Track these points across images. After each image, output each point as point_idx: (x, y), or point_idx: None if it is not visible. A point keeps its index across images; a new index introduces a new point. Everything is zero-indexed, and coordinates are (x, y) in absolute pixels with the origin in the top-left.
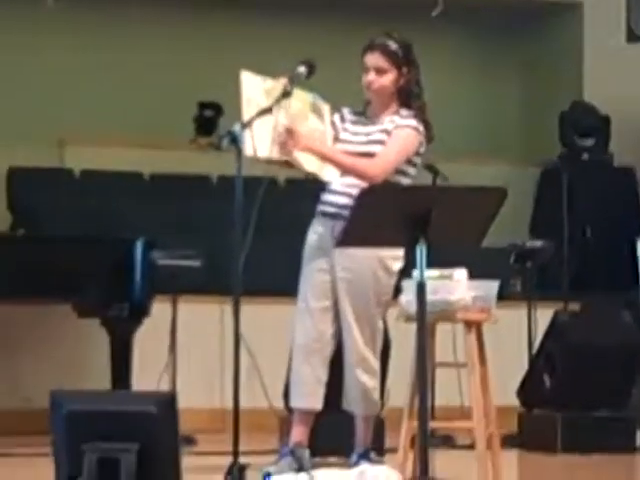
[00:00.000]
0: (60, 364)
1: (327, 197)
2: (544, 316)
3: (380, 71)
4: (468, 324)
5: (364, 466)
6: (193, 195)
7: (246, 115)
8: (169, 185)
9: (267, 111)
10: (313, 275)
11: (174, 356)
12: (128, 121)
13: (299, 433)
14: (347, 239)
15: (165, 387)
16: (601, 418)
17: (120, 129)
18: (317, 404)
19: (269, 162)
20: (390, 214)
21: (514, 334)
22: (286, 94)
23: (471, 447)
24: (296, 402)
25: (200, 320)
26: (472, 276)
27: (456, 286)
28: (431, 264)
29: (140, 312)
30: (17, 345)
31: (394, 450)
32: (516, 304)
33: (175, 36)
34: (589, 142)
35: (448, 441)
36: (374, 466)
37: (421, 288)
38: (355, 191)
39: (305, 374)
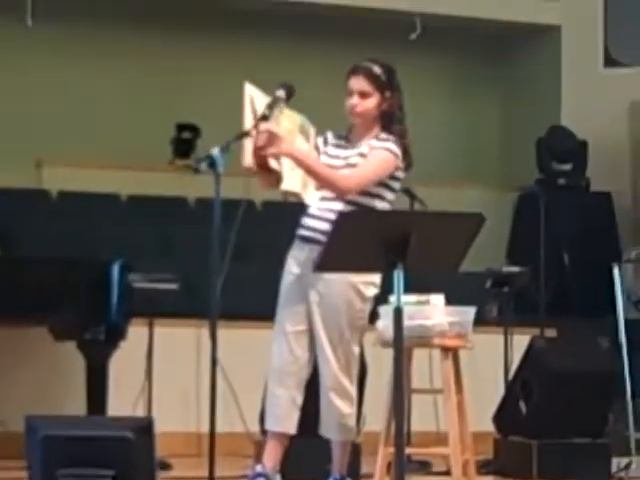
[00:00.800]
0: (35, 387)
1: (305, 221)
2: (521, 342)
3: (364, 95)
4: (445, 350)
5: None
6: (171, 217)
7: (247, 124)
8: (146, 207)
9: (263, 119)
10: (289, 299)
11: (150, 380)
12: (106, 142)
13: (272, 457)
14: (324, 264)
15: (141, 411)
16: (577, 445)
17: (98, 150)
18: (291, 428)
19: (256, 172)
20: (368, 238)
21: (490, 359)
22: (275, 105)
23: (447, 473)
24: (270, 425)
25: (176, 344)
26: (449, 301)
27: (433, 312)
28: (408, 289)
29: (117, 335)
30: None
31: (370, 476)
32: (493, 329)
33: (153, 57)
34: (566, 167)
35: (424, 467)
36: None
37: (398, 313)
38: (332, 215)
39: (280, 397)
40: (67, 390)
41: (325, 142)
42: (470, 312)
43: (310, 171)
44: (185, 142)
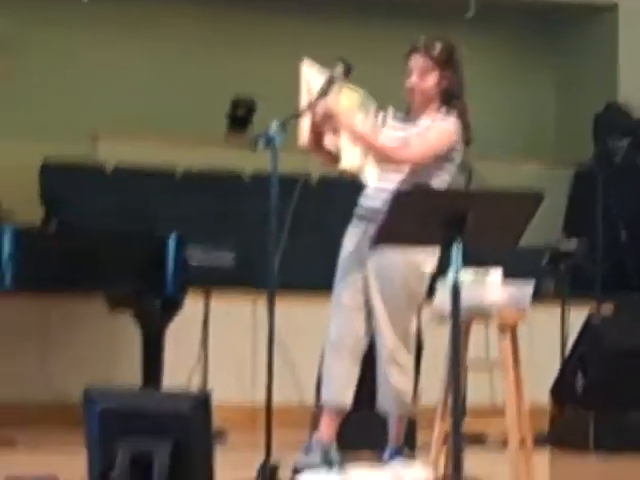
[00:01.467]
0: (93, 358)
1: (361, 200)
2: (577, 317)
3: (423, 73)
4: (502, 325)
5: (397, 462)
6: (226, 192)
7: (303, 104)
8: (202, 181)
9: (320, 97)
10: (347, 274)
11: (206, 351)
12: (161, 116)
13: (328, 429)
14: (382, 238)
15: (197, 382)
16: (633, 419)
17: (153, 124)
18: (347, 401)
19: (313, 151)
20: (426, 216)
21: (547, 334)
22: (329, 85)
23: (503, 445)
24: (327, 398)
25: (233, 315)
26: (506, 275)
27: (490, 287)
28: (466, 262)
29: (172, 305)
30: (50, 339)
31: (426, 447)
32: (550, 305)
33: (209, 31)
34: (623, 144)
35: (480, 439)
36: (407, 463)
37: (456, 290)
38: (387, 195)
39: (336, 370)
40: (124, 360)
41: (384, 121)
42: (528, 287)
43: (366, 142)
44: (241, 117)
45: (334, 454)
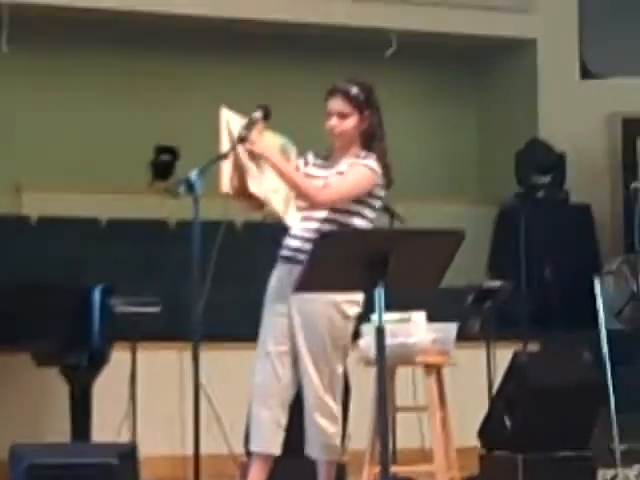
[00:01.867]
0: (19, 414)
1: (286, 241)
2: (504, 356)
3: (342, 115)
4: (428, 367)
5: None
6: (151, 240)
7: (224, 149)
8: (126, 230)
9: (241, 141)
10: (272, 319)
11: (134, 404)
12: (85, 166)
13: (257, 478)
14: (305, 284)
15: (126, 436)
16: (562, 458)
17: (77, 174)
18: (276, 448)
19: (235, 197)
20: (348, 258)
21: (474, 375)
22: (242, 139)
23: None
24: (255, 446)
25: (160, 367)
26: (430, 317)
27: (415, 329)
28: (389, 307)
29: (99, 360)
30: None
31: None
32: (475, 345)
33: (132, 82)
34: (545, 180)
35: None
36: None
37: (380, 332)
38: (312, 235)
39: (264, 418)
40: (52, 416)
41: (306, 163)
42: (452, 328)
43: (286, 179)
44: (164, 165)
45: None
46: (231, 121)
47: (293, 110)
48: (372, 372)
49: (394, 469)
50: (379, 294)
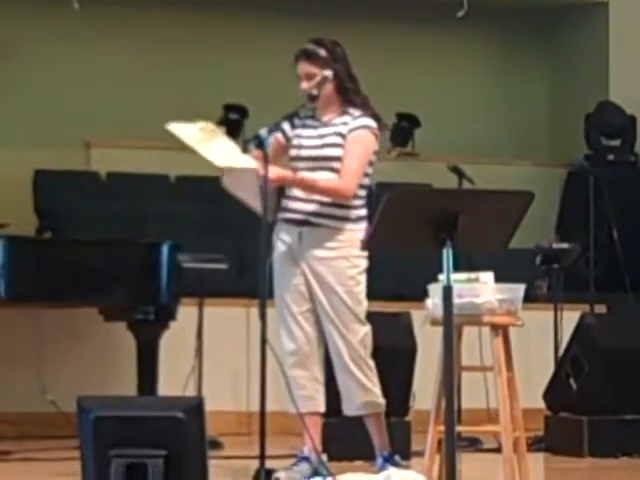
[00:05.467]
0: (87, 368)
1: (290, 204)
2: (571, 318)
3: (309, 76)
4: (494, 327)
5: (390, 470)
6: (219, 197)
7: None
8: (195, 187)
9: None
10: (289, 282)
11: (200, 359)
12: (154, 123)
13: (311, 437)
14: (373, 242)
15: (191, 391)
16: (628, 421)
17: (146, 131)
18: (320, 406)
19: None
20: (417, 218)
21: (540, 337)
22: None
23: (498, 450)
24: (302, 407)
25: (226, 323)
26: (498, 279)
27: (482, 289)
28: (457, 267)
29: (166, 315)
30: (45, 349)
31: (420, 454)
32: (542, 306)
33: (201, 38)
34: (615, 143)
35: (475, 444)
36: (400, 470)
37: (448, 291)
38: (317, 196)
39: (302, 378)
40: (118, 370)
41: (292, 125)
42: (520, 289)
43: (307, 187)
44: (233, 123)
45: (322, 465)
46: (182, 131)
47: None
48: (438, 332)
49: (459, 429)
50: (447, 254)
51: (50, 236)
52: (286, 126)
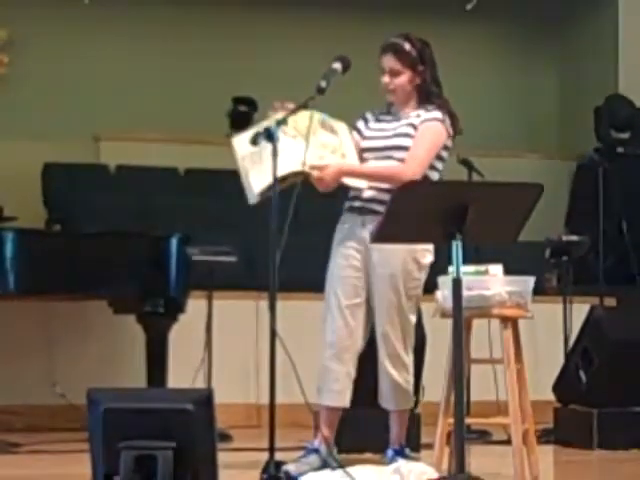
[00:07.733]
0: (96, 361)
1: (354, 192)
2: (580, 311)
3: (394, 72)
4: (504, 320)
5: (400, 462)
6: (228, 189)
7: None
8: (204, 180)
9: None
10: (343, 271)
11: (209, 352)
12: (163, 116)
13: (326, 430)
14: (382, 235)
15: (201, 383)
16: (638, 413)
17: (155, 124)
18: (347, 401)
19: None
20: (426, 210)
21: (550, 329)
22: (275, 129)
23: (507, 442)
24: (327, 400)
25: (235, 316)
26: (508, 271)
27: (492, 281)
28: (467, 260)
29: (176, 308)
30: (54, 341)
31: (430, 446)
32: (552, 299)
33: (211, 31)
34: (625, 135)
35: (484, 437)
36: (410, 462)
37: (457, 284)
38: (384, 185)
39: (338, 372)
40: (127, 363)
41: (366, 122)
42: (529, 281)
43: (367, 176)
44: (242, 116)
45: (332, 457)
46: (241, 142)
47: (367, 62)
48: (448, 324)
49: (468, 421)
50: (457, 246)
51: (59, 229)
52: (361, 125)
